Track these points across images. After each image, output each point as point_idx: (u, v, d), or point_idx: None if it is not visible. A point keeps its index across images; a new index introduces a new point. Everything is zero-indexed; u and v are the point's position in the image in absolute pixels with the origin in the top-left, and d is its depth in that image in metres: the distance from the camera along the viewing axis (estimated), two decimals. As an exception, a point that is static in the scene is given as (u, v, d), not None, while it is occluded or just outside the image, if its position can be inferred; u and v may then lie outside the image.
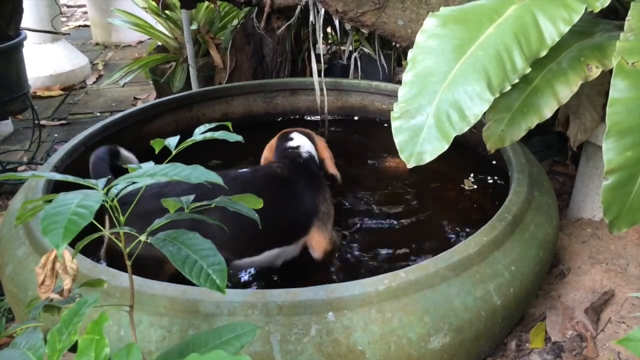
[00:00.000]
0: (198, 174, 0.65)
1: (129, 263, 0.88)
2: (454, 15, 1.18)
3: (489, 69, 1.10)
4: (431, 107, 1.10)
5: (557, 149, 2.43)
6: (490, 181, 1.95)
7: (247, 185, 1.48)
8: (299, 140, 1.74)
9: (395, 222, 1.75)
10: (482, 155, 2.01)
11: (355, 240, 1.66)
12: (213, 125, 0.89)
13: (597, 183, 1.77)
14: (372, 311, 1.08)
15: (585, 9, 1.14)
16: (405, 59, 3.28)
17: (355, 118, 2.40)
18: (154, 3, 2.64)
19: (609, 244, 1.63)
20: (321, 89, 2.27)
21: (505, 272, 1.22)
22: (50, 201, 0.70)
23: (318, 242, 1.50)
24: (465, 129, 1.07)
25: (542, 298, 1.48)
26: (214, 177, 0.65)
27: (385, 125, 2.33)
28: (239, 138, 0.83)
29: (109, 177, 0.80)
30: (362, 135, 2.36)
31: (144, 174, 0.65)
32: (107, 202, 0.68)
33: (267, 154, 1.79)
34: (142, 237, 0.74)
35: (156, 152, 0.92)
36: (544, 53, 1.13)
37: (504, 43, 1.12)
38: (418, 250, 1.58)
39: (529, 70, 1.11)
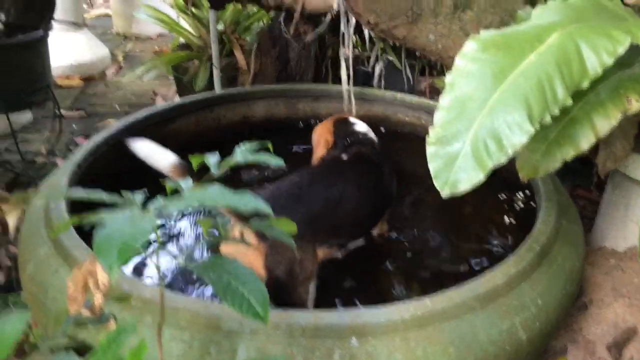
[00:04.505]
0: (246, 200, 0.63)
1: (162, 284, 0.87)
2: (495, 40, 1.16)
3: (530, 98, 1.07)
4: (468, 134, 1.07)
5: (579, 171, 2.40)
6: (518, 205, 1.93)
7: (352, 172, 1.61)
8: (363, 126, 1.86)
9: (415, 240, 1.74)
10: (504, 177, 1.99)
11: (375, 259, 1.64)
12: (254, 144, 0.87)
13: (623, 212, 1.75)
14: (396, 339, 1.06)
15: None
16: (430, 69, 3.27)
17: (382, 129, 2.37)
18: (181, 1, 2.63)
19: (632, 277, 1.60)
20: (348, 97, 2.26)
21: (532, 305, 1.20)
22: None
23: (382, 226, 1.69)
24: (503, 160, 1.04)
25: (564, 330, 1.46)
26: (262, 205, 0.64)
27: (407, 137, 2.32)
28: (281, 163, 0.81)
29: (144, 191, 0.78)
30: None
31: (191, 198, 0.63)
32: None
33: (328, 136, 1.84)
34: (181, 261, 0.73)
35: (194, 168, 0.91)
36: (585, 85, 1.11)
37: (546, 72, 1.10)
38: (438, 271, 1.57)
39: (570, 102, 1.09)
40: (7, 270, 1.91)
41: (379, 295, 1.50)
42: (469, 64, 1.14)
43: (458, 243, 1.74)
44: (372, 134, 1.85)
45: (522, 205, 1.92)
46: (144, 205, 0.78)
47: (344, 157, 1.66)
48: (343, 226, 1.52)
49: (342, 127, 1.85)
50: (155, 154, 1.26)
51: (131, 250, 0.54)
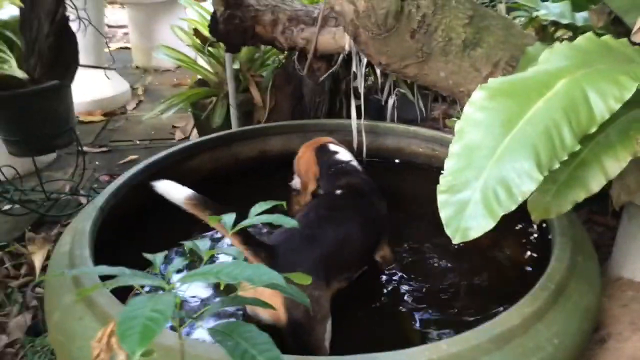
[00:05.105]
0: (260, 273, 0.66)
1: (179, 330, 0.90)
2: (502, 88, 1.19)
3: (538, 145, 1.10)
4: (478, 182, 1.09)
5: (596, 196, 2.39)
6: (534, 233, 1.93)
7: (351, 208, 1.68)
8: (344, 153, 1.95)
9: (428, 273, 1.75)
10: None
11: (388, 300, 1.65)
12: (268, 203, 0.90)
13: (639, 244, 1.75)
14: (413, 384, 1.08)
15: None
16: (444, 96, 3.30)
17: (396, 161, 2.41)
18: (198, 41, 2.72)
19: (651, 310, 1.60)
20: (359, 131, 2.30)
21: (548, 345, 1.20)
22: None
23: (384, 250, 1.74)
24: (513, 208, 1.06)
25: (582, 366, 1.46)
26: (276, 277, 0.67)
27: (421, 167, 2.36)
28: (294, 223, 0.84)
29: (166, 253, 0.83)
30: (397, 178, 2.38)
31: (208, 273, 0.67)
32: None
33: (315, 168, 1.92)
34: (198, 324, 0.76)
35: (210, 225, 0.95)
36: (593, 130, 1.12)
37: (553, 119, 1.12)
38: (453, 313, 1.57)
39: (578, 147, 1.11)
40: (34, 311, 1.96)
41: (391, 332, 1.52)
42: (477, 112, 1.16)
43: (473, 275, 1.75)
44: (355, 161, 1.94)
45: (538, 234, 1.93)
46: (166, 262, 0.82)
47: (338, 192, 1.74)
48: (350, 261, 1.59)
49: (324, 156, 1.95)
50: (171, 190, 1.32)
51: (152, 334, 0.57)
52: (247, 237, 1.29)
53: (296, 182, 2.06)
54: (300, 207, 1.94)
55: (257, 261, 1.33)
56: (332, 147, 2.00)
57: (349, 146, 2.34)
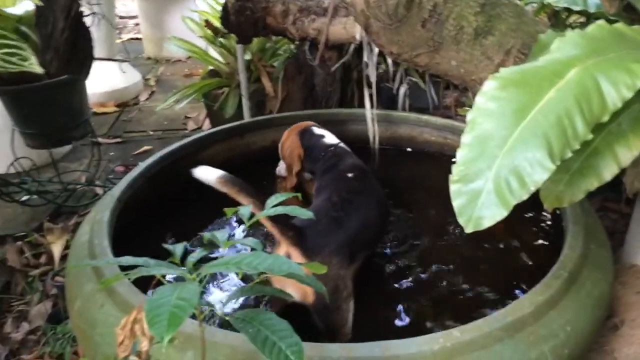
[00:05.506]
0: (280, 263, 0.68)
1: (200, 317, 0.93)
2: (513, 78, 1.19)
3: (550, 135, 1.10)
4: (490, 172, 1.11)
5: (610, 184, 2.39)
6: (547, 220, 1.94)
7: (367, 187, 1.74)
8: (330, 136, 1.99)
9: (442, 260, 1.77)
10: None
11: (401, 288, 1.67)
12: (284, 195, 0.92)
13: (653, 231, 1.75)
14: (426, 371, 1.10)
15: (649, 74, 1.13)
16: (455, 86, 3.30)
17: (409, 149, 2.42)
18: (209, 32, 2.73)
19: (664, 297, 1.60)
20: (372, 120, 2.31)
21: (560, 332, 1.22)
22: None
23: None
24: (525, 197, 1.07)
25: (595, 352, 1.47)
26: (295, 268, 0.69)
27: (434, 155, 2.37)
28: (310, 215, 0.86)
29: (185, 244, 0.85)
30: (410, 166, 2.40)
31: (229, 263, 0.69)
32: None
33: (300, 151, 1.96)
34: (219, 312, 0.78)
35: (227, 217, 0.97)
36: (606, 118, 1.13)
37: (565, 108, 1.13)
38: (466, 301, 1.59)
39: (590, 136, 1.11)
40: (54, 299, 2.01)
41: (405, 320, 1.54)
42: (489, 102, 1.17)
43: (486, 263, 1.77)
44: (342, 143, 1.98)
45: (551, 222, 1.94)
46: (185, 256, 0.85)
47: (350, 175, 1.77)
48: (370, 239, 1.66)
49: (311, 138, 1.99)
50: (206, 173, 1.38)
51: (179, 320, 0.60)
52: (276, 216, 1.33)
53: (281, 168, 2.10)
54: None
55: (284, 239, 1.39)
56: (317, 130, 2.03)
57: (362, 135, 2.37)
